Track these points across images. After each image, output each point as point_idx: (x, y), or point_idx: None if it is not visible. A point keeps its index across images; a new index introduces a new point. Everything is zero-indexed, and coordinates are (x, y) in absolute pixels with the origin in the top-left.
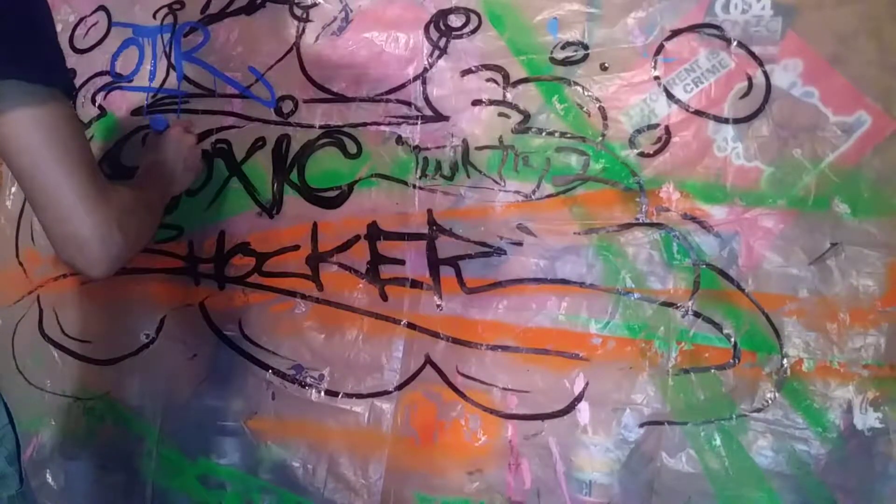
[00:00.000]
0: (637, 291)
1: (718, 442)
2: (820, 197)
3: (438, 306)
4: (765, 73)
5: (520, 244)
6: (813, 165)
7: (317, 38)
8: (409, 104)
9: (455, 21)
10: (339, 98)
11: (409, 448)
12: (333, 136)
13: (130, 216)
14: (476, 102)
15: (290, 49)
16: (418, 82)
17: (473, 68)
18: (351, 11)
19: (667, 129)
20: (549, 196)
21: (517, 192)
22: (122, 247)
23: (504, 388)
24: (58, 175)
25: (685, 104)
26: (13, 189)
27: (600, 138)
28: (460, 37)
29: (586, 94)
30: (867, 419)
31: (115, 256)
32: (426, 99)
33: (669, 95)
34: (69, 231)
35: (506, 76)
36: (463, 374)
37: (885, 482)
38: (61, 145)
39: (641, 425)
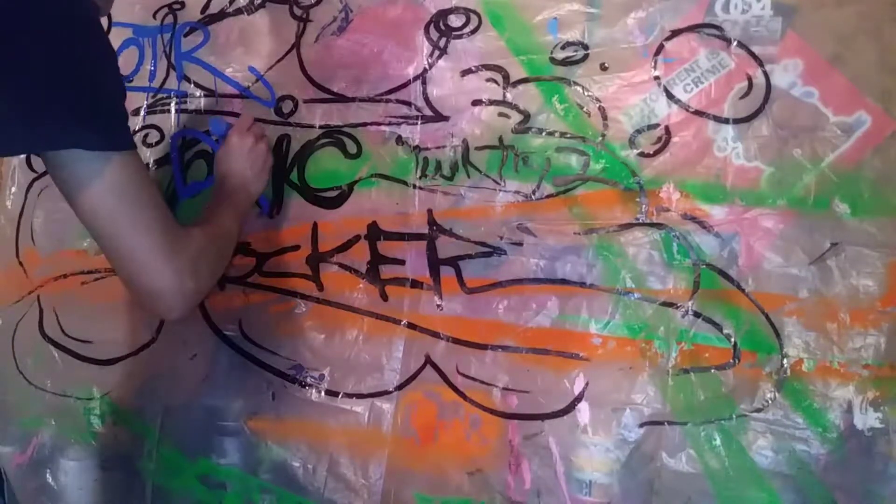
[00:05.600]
0: (637, 291)
1: (718, 442)
2: (820, 197)
3: (438, 306)
4: (765, 73)
5: (520, 244)
6: (813, 165)
7: (317, 38)
8: (409, 104)
9: (455, 21)
10: (339, 98)
11: (409, 448)
12: (333, 136)
13: (202, 259)
14: (476, 102)
15: (290, 49)
16: (418, 82)
17: (473, 68)
18: (351, 11)
19: (667, 129)
20: (549, 196)
21: (517, 192)
22: (196, 291)
23: (504, 388)
24: (131, 235)
25: (685, 104)
26: (13, 189)
27: (600, 138)
28: (460, 37)
29: (586, 94)
30: (867, 419)
31: (190, 302)
32: (426, 99)
33: (669, 95)
34: (144, 284)
35: (506, 76)
36: (463, 374)
37: (885, 482)
38: (131, 205)
39: (641, 425)
